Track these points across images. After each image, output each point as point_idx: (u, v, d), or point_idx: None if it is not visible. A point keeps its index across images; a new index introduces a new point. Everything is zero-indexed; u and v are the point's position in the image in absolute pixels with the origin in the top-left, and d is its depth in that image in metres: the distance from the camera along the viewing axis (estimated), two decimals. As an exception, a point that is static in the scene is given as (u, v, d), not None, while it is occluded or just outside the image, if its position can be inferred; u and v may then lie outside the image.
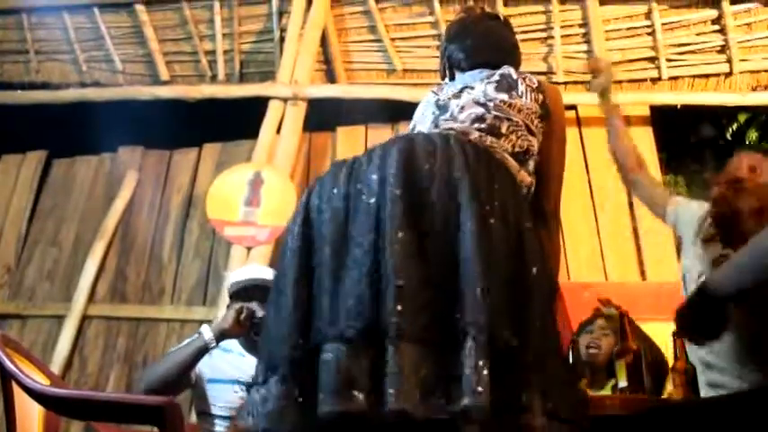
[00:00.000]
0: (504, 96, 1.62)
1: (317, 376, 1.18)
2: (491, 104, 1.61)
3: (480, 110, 1.60)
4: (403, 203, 1.25)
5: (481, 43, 1.81)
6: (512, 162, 1.54)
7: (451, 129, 1.56)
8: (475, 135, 1.53)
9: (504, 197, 1.34)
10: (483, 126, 1.57)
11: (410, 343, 1.15)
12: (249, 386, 1.36)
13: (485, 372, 1.14)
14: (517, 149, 1.57)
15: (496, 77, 1.67)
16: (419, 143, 1.37)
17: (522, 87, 1.65)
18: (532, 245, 1.32)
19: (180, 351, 2.28)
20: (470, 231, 1.23)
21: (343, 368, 1.16)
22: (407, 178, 1.29)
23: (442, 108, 1.67)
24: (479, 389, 1.13)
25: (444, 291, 1.21)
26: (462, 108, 1.63)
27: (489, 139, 1.55)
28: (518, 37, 4.76)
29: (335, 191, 1.35)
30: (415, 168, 1.31)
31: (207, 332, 2.25)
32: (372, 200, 1.28)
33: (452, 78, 1.81)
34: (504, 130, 1.57)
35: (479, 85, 1.67)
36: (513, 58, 1.79)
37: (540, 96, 1.65)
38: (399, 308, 1.17)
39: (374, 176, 1.31)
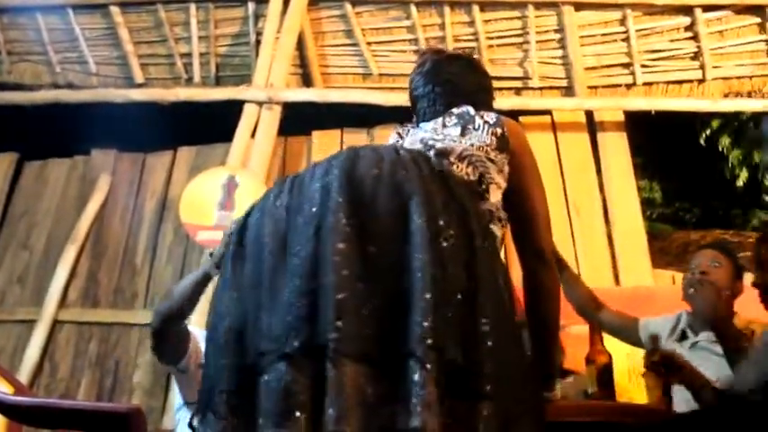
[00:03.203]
0: (457, 130, 1.59)
1: (256, 401, 1.12)
2: (440, 136, 1.58)
3: (430, 140, 1.58)
4: (345, 212, 1.18)
5: (445, 89, 1.75)
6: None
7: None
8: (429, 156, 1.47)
9: (461, 213, 1.26)
10: (431, 150, 1.53)
11: (351, 360, 1.08)
12: (190, 425, 1.27)
13: (433, 396, 1.07)
14: (470, 179, 1.51)
15: (454, 118, 1.64)
16: (365, 153, 1.32)
17: (478, 121, 1.61)
18: (489, 265, 1.25)
19: (185, 280, 2.01)
20: (419, 245, 1.15)
21: (282, 389, 1.09)
22: (351, 187, 1.22)
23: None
24: (426, 415, 1.06)
25: (389, 306, 1.14)
26: (412, 145, 1.60)
27: (440, 162, 1.48)
28: (494, 42, 4.88)
29: (278, 203, 1.28)
30: (359, 177, 1.24)
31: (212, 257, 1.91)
32: (314, 209, 1.21)
33: (418, 125, 1.75)
34: (452, 157, 1.52)
35: (437, 123, 1.66)
36: (480, 101, 1.73)
37: (499, 130, 1.59)
38: (339, 323, 1.09)
39: (317, 185, 1.25)
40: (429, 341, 1.09)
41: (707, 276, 2.39)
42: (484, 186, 1.53)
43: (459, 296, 1.17)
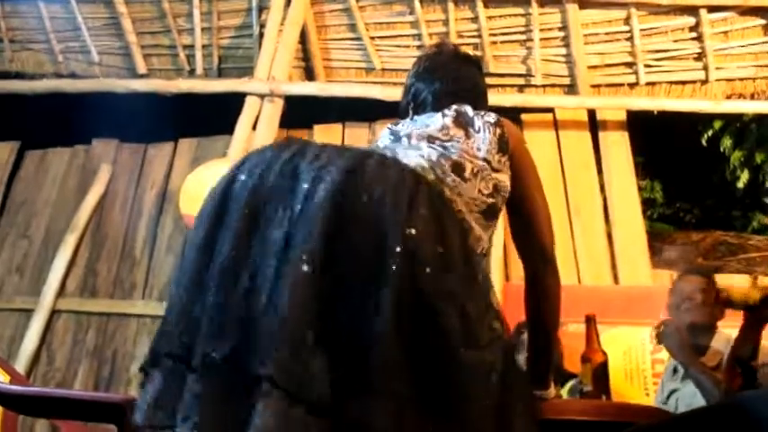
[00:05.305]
0: (462, 133, 1.56)
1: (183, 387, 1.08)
2: (450, 144, 1.54)
3: (440, 149, 1.52)
4: (320, 232, 1.09)
5: (450, 88, 1.73)
6: (467, 221, 1.43)
7: (414, 162, 1.43)
8: (432, 176, 1.40)
9: (448, 263, 1.17)
10: (446, 165, 1.48)
11: (279, 397, 1.01)
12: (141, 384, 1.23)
13: None
14: (485, 192, 1.49)
15: (453, 113, 1.61)
16: (367, 170, 1.19)
17: (478, 123, 1.59)
18: (473, 332, 1.16)
19: None
20: (387, 305, 1.06)
21: (195, 394, 1.06)
22: (337, 205, 1.11)
23: (398, 139, 1.60)
24: None
25: (339, 353, 1.06)
26: (419, 140, 1.55)
27: (451, 179, 1.44)
28: (497, 39, 4.87)
29: (267, 177, 1.18)
30: (350, 195, 1.13)
31: None
32: (294, 212, 1.12)
33: (413, 117, 1.71)
34: (467, 173, 1.48)
35: (436, 120, 1.61)
36: (480, 105, 1.70)
37: (499, 131, 1.58)
38: (277, 355, 1.02)
39: (305, 186, 1.14)
40: (386, 405, 1.03)
41: (695, 302, 2.49)
42: (502, 194, 1.53)
43: (428, 350, 1.09)
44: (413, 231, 1.13)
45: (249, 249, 1.12)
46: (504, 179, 1.55)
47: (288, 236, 1.10)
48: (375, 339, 1.05)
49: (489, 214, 1.50)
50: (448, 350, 1.10)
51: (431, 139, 1.56)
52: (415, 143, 1.56)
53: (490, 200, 1.51)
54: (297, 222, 1.11)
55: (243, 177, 1.20)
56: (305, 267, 1.06)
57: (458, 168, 1.49)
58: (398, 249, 1.10)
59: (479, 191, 1.49)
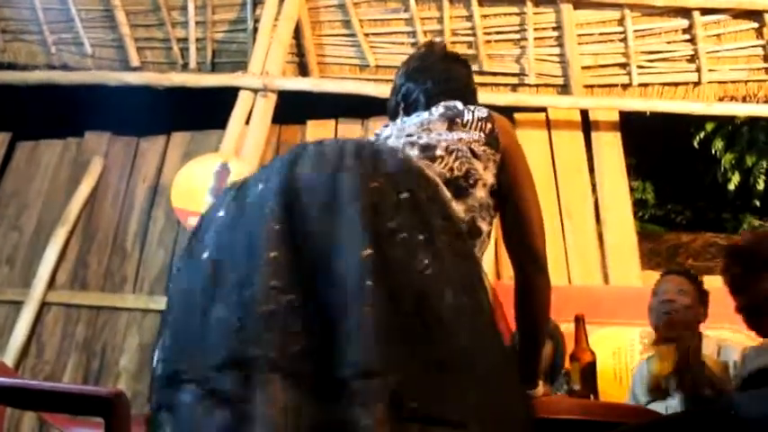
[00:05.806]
0: (444, 127, 1.54)
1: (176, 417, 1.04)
2: (426, 131, 1.52)
3: (414, 135, 1.51)
4: (278, 219, 1.09)
5: (442, 88, 1.71)
6: (444, 190, 1.37)
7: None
8: (402, 153, 1.34)
9: (416, 211, 1.15)
10: (414, 146, 1.46)
11: (279, 378, 0.99)
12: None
13: (378, 420, 0.96)
14: (456, 173, 1.45)
15: (441, 109, 1.60)
16: (308, 154, 1.21)
17: (467, 116, 1.56)
18: (456, 265, 1.14)
19: None
20: (355, 255, 1.05)
21: (198, 417, 1.01)
22: (287, 192, 1.13)
23: (378, 138, 1.59)
24: None
25: (323, 322, 1.03)
26: (396, 139, 1.53)
27: (420, 158, 1.41)
28: (491, 38, 4.88)
29: (222, 212, 1.20)
30: (297, 181, 1.15)
31: None
32: (252, 217, 1.14)
33: (402, 117, 1.69)
34: (438, 152, 1.46)
35: (422, 117, 1.60)
36: (471, 104, 1.67)
37: (489, 125, 1.54)
38: (266, 337, 1.01)
39: (257, 190, 1.18)
40: (369, 370, 0.99)
41: (674, 304, 2.43)
42: (471, 181, 1.48)
43: (409, 307, 1.05)
44: (376, 184, 1.14)
45: (223, 273, 1.12)
46: (481, 169, 1.51)
47: (253, 242, 1.11)
48: (350, 301, 1.04)
49: (454, 190, 1.43)
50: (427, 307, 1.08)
51: (408, 135, 1.54)
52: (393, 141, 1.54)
53: (458, 181, 1.46)
54: (256, 226, 1.13)
55: (212, 214, 1.23)
56: (272, 254, 1.07)
57: (426, 149, 1.47)
58: (363, 204, 1.10)
59: (450, 168, 1.46)
